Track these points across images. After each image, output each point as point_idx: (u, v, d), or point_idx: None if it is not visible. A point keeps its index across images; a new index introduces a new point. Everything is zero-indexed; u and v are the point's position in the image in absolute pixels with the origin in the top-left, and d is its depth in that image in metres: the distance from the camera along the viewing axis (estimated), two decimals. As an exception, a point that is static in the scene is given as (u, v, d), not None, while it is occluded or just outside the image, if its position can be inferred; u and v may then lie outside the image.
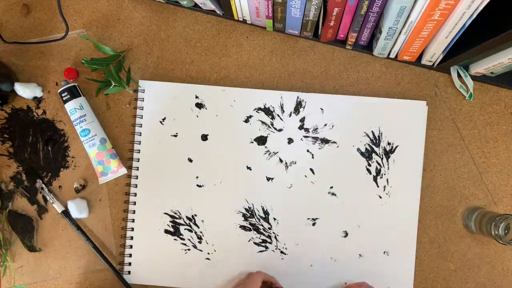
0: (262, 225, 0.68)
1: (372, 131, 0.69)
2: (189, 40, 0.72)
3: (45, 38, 0.73)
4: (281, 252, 0.68)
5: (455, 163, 0.69)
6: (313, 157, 0.69)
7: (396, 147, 0.68)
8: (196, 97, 0.70)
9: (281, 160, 0.69)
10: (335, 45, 0.70)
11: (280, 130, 0.69)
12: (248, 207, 0.69)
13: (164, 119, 0.70)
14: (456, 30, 0.56)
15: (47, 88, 0.72)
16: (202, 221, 0.69)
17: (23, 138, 0.71)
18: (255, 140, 0.69)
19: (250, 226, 0.69)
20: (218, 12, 0.70)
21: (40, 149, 0.71)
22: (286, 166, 0.69)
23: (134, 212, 0.69)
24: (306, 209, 0.68)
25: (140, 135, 0.70)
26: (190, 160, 0.70)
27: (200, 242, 0.69)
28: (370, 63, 0.70)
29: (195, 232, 0.69)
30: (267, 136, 0.69)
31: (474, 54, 0.59)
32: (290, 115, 0.69)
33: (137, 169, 0.70)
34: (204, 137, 0.70)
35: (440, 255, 0.68)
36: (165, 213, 0.69)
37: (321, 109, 0.69)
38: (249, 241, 0.68)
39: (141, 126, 0.70)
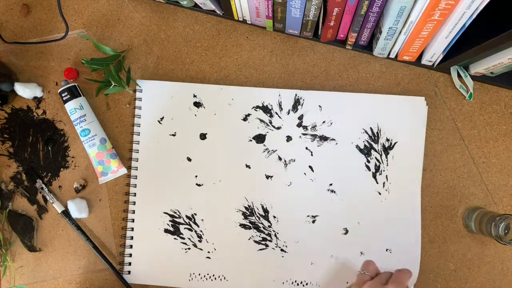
0: (262, 223, 0.68)
1: (371, 128, 0.69)
2: (189, 40, 0.72)
3: (45, 38, 0.73)
4: (281, 250, 0.68)
5: (455, 163, 0.69)
6: (312, 155, 0.69)
7: (395, 143, 0.68)
8: (194, 95, 0.70)
9: (280, 158, 0.69)
10: (335, 45, 0.70)
11: (278, 128, 0.69)
12: (248, 205, 0.69)
13: (162, 118, 0.70)
14: (456, 30, 0.56)
15: (47, 88, 0.72)
16: (202, 220, 0.69)
17: (23, 138, 0.71)
18: (253, 138, 0.69)
19: (250, 224, 0.69)
20: (218, 12, 0.70)
21: (40, 149, 0.71)
22: (285, 164, 0.69)
23: (134, 212, 0.69)
24: (306, 206, 0.68)
25: (139, 135, 0.70)
26: (189, 159, 0.70)
27: (200, 241, 0.69)
28: (370, 63, 0.70)
29: (195, 231, 0.69)
30: (265, 134, 0.69)
31: (474, 54, 0.59)
32: (288, 112, 0.69)
33: (137, 169, 0.70)
34: (203, 136, 0.70)
35: (440, 255, 0.68)
36: (164, 213, 0.69)
37: (319, 106, 0.69)
38: (249, 239, 0.68)
39: (140, 126, 0.70)
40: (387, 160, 0.68)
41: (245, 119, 0.70)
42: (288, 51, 0.71)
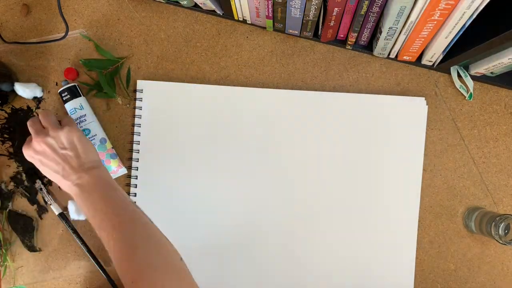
0: (262, 224, 0.68)
1: (371, 128, 0.68)
2: (189, 40, 0.72)
3: (45, 38, 0.73)
4: (280, 251, 0.68)
5: (455, 163, 0.69)
6: (312, 156, 0.69)
7: (396, 143, 0.68)
8: (195, 96, 0.70)
9: (280, 160, 0.69)
10: (335, 45, 0.70)
11: (279, 129, 0.69)
12: (248, 206, 0.69)
13: (163, 119, 0.70)
14: (456, 30, 0.56)
15: (47, 88, 0.72)
16: (203, 220, 0.69)
17: (23, 138, 0.71)
18: (255, 139, 0.69)
19: (250, 225, 0.69)
20: (218, 12, 0.70)
21: (40, 149, 0.71)
22: (286, 165, 0.69)
23: (134, 212, 0.69)
24: (306, 208, 0.68)
25: (139, 135, 0.70)
26: (190, 160, 0.70)
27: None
28: (370, 63, 0.70)
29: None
30: (267, 135, 0.69)
31: (474, 54, 0.59)
32: (289, 113, 0.69)
33: (137, 169, 0.70)
34: (204, 137, 0.70)
35: (440, 255, 0.68)
36: (164, 213, 0.69)
37: (320, 107, 0.69)
38: (249, 240, 0.68)
39: (140, 126, 0.70)
40: (387, 161, 0.68)
41: (246, 120, 0.69)
42: (288, 51, 0.71)
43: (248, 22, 0.70)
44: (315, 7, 0.59)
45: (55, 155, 0.57)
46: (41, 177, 0.71)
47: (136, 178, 0.70)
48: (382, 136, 0.68)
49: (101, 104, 0.71)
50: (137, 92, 0.71)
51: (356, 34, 0.64)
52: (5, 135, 0.72)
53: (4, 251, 0.69)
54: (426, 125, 0.68)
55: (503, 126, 0.69)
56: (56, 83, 0.72)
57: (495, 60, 0.60)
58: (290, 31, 0.69)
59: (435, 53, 0.64)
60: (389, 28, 0.59)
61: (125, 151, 0.71)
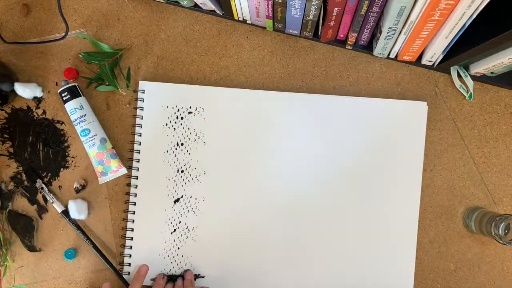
0: (262, 225, 0.68)
1: (373, 130, 0.68)
2: (189, 40, 0.72)
3: (45, 38, 0.73)
4: (282, 248, 0.68)
5: (455, 163, 0.69)
6: (313, 158, 0.69)
7: (396, 147, 0.68)
8: (197, 98, 0.70)
9: (280, 161, 0.69)
10: (335, 45, 0.70)
11: (280, 131, 0.69)
12: (248, 207, 0.69)
13: (164, 120, 0.70)
14: (456, 30, 0.56)
15: (47, 88, 0.72)
16: (203, 220, 0.69)
17: (23, 138, 0.71)
18: (255, 141, 0.69)
19: (250, 227, 0.69)
20: (218, 12, 0.70)
21: (40, 149, 0.71)
22: (286, 167, 0.69)
23: (134, 212, 0.69)
24: (305, 208, 0.68)
25: (140, 136, 0.70)
26: (190, 161, 0.70)
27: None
28: (370, 63, 0.70)
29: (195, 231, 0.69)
30: (267, 138, 0.69)
31: (474, 54, 0.59)
32: (289, 116, 0.69)
33: (137, 169, 0.70)
34: (205, 139, 0.70)
35: (440, 255, 0.68)
36: (165, 213, 0.69)
37: (320, 110, 0.69)
38: (249, 241, 0.68)
39: (141, 127, 0.70)
40: (388, 164, 0.68)
41: (246, 121, 0.69)
42: (288, 51, 0.71)
43: (248, 22, 0.70)
44: (315, 7, 0.59)
45: None
46: (41, 176, 0.71)
47: (137, 179, 0.70)
48: (382, 138, 0.68)
49: (101, 104, 0.71)
50: (138, 93, 0.71)
51: (356, 34, 0.64)
52: (5, 135, 0.72)
53: (4, 251, 0.69)
54: (426, 125, 0.68)
55: (503, 126, 0.69)
56: (56, 83, 0.72)
57: (495, 60, 0.60)
58: (290, 31, 0.69)
59: (435, 53, 0.64)
60: (389, 28, 0.59)
61: (125, 151, 0.71)
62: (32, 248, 0.70)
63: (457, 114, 0.69)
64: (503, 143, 0.69)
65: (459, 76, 0.68)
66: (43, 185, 0.70)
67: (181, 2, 0.70)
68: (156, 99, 0.70)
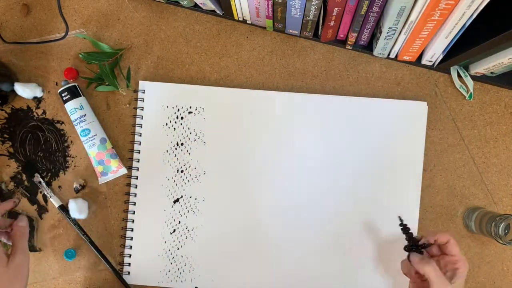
0: (262, 225, 0.68)
1: (372, 132, 0.68)
2: (189, 40, 0.72)
3: (45, 38, 0.73)
4: (282, 247, 0.68)
5: (455, 163, 0.69)
6: (313, 157, 0.69)
7: (396, 147, 0.68)
8: (197, 98, 0.70)
9: (280, 161, 0.69)
10: (335, 45, 0.70)
11: (280, 131, 0.69)
12: (248, 207, 0.69)
13: (164, 120, 0.70)
14: (456, 30, 0.56)
15: (47, 88, 0.72)
16: (203, 220, 0.69)
17: (23, 138, 0.71)
18: (255, 141, 0.69)
19: (250, 227, 0.69)
20: (218, 12, 0.70)
21: (40, 149, 0.71)
22: (286, 167, 0.69)
23: (134, 212, 0.69)
24: (306, 207, 0.68)
25: (140, 136, 0.70)
26: (190, 161, 0.70)
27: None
28: (370, 63, 0.70)
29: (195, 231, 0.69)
30: (267, 137, 0.69)
31: (474, 54, 0.59)
32: (290, 116, 0.69)
33: (137, 169, 0.70)
34: (205, 139, 0.70)
35: (440, 255, 0.68)
36: (165, 213, 0.69)
37: (320, 110, 0.69)
38: (249, 241, 0.68)
39: (141, 127, 0.70)
40: (387, 164, 0.68)
41: (247, 122, 0.69)
42: (288, 51, 0.71)
43: (248, 22, 0.70)
44: (315, 7, 0.59)
45: None
46: (40, 171, 0.70)
47: (137, 178, 0.70)
48: (382, 137, 0.68)
49: (101, 104, 0.71)
50: (138, 93, 0.71)
51: (356, 34, 0.64)
52: (5, 135, 0.72)
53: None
54: (426, 125, 0.68)
55: (503, 126, 0.69)
56: (56, 83, 0.72)
57: (495, 60, 0.60)
58: (290, 31, 0.69)
59: (435, 53, 0.64)
60: (389, 28, 0.59)
61: (125, 151, 0.71)
62: (32, 248, 0.70)
63: (457, 114, 0.69)
64: (503, 143, 0.69)
65: (459, 76, 0.68)
66: (41, 179, 0.70)
67: (181, 2, 0.70)
68: (156, 99, 0.70)
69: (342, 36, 0.67)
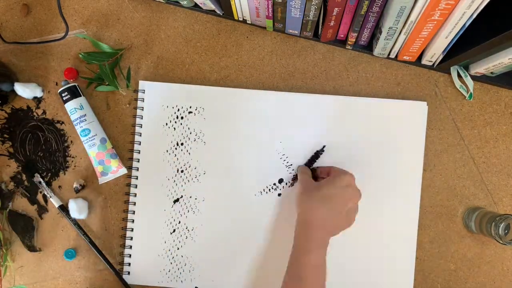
0: (262, 225, 0.68)
1: (372, 132, 0.68)
2: (189, 40, 0.72)
3: (45, 38, 0.73)
4: (282, 247, 0.68)
5: (455, 163, 0.69)
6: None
7: (396, 147, 0.68)
8: (197, 98, 0.70)
9: (280, 161, 0.69)
10: (335, 45, 0.70)
11: (280, 131, 0.69)
12: (248, 206, 0.69)
13: (164, 119, 0.70)
14: (456, 30, 0.56)
15: (47, 88, 0.72)
16: (202, 220, 0.69)
17: (23, 138, 0.71)
18: (255, 141, 0.69)
19: (250, 227, 0.69)
20: (218, 12, 0.70)
21: (40, 149, 0.71)
22: (288, 168, 0.69)
23: (134, 212, 0.69)
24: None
25: (140, 136, 0.70)
26: (190, 161, 0.70)
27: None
28: (370, 63, 0.70)
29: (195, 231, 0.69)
30: (267, 137, 0.69)
31: (474, 54, 0.59)
32: (290, 116, 0.69)
33: (137, 169, 0.70)
34: (205, 139, 0.70)
35: (440, 255, 0.68)
36: (165, 213, 0.69)
37: (320, 110, 0.69)
38: (249, 240, 0.68)
39: (141, 127, 0.70)
40: (387, 164, 0.68)
41: (247, 122, 0.69)
42: (288, 51, 0.71)
43: (248, 22, 0.70)
44: (315, 7, 0.59)
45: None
46: (40, 171, 0.70)
47: (137, 178, 0.70)
48: (382, 137, 0.68)
49: (101, 104, 0.71)
50: (138, 92, 0.71)
51: (356, 34, 0.64)
52: (5, 135, 0.72)
53: (4, 251, 0.69)
54: (426, 125, 0.68)
55: (503, 126, 0.69)
56: (56, 83, 0.72)
57: (495, 60, 0.60)
58: (290, 31, 0.69)
59: (435, 53, 0.64)
60: (389, 28, 0.59)
61: (125, 151, 0.71)
62: (32, 248, 0.70)
63: (457, 114, 0.69)
64: (503, 143, 0.69)
65: (459, 76, 0.68)
66: (41, 179, 0.70)
67: (181, 2, 0.70)
68: (156, 99, 0.70)
69: (342, 36, 0.67)
